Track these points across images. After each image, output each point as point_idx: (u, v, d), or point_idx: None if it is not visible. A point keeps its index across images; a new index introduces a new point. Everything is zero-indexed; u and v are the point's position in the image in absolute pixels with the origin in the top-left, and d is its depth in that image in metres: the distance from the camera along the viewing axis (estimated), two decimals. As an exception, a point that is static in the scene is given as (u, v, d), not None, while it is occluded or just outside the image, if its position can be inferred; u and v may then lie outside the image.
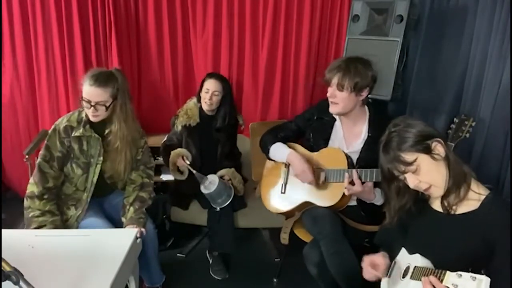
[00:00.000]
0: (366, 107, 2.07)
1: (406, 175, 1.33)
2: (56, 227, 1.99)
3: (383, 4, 2.52)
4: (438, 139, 1.31)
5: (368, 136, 2.03)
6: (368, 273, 1.47)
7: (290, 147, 2.18)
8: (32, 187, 2.03)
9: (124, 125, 2.04)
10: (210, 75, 2.62)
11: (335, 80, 1.94)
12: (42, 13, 2.87)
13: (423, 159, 1.29)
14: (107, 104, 1.97)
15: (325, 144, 2.10)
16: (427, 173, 1.30)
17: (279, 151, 2.17)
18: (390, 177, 1.37)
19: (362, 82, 1.92)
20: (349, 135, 2.08)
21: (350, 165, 1.98)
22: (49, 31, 2.91)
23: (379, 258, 1.47)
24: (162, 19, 3.00)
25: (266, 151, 2.23)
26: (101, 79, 1.95)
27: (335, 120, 2.11)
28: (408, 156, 1.29)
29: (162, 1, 2.96)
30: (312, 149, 2.14)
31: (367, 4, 2.58)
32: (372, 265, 1.46)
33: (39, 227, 1.97)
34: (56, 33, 2.89)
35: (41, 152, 2.04)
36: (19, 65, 2.98)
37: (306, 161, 2.05)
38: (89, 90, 1.94)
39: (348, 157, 2.00)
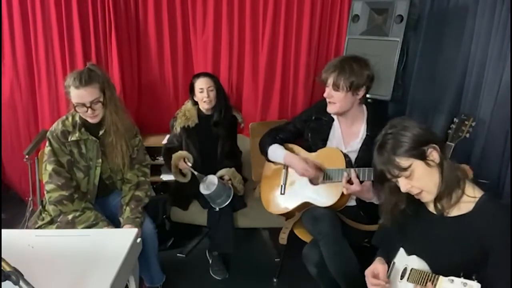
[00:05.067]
0: (364, 106, 2.07)
1: (399, 179, 1.32)
2: (103, 219, 2.00)
3: (383, 4, 2.52)
4: (434, 145, 1.30)
5: (366, 135, 2.03)
6: (373, 285, 1.44)
7: (288, 148, 2.18)
8: (56, 192, 1.98)
9: (116, 116, 2.03)
10: (197, 76, 2.64)
11: (330, 80, 1.95)
12: (42, 13, 2.87)
13: (417, 165, 1.28)
14: (101, 100, 1.96)
15: (323, 145, 2.11)
16: (420, 179, 1.29)
17: (276, 153, 2.18)
18: (382, 178, 1.37)
19: (357, 81, 1.92)
20: (348, 135, 2.08)
21: (348, 164, 1.98)
22: (49, 31, 2.90)
23: (378, 266, 1.46)
24: (162, 19, 3.00)
25: (264, 153, 2.24)
26: (85, 78, 1.92)
27: (333, 120, 2.11)
28: (403, 162, 1.28)
29: (162, 1, 2.95)
30: (310, 150, 2.14)
31: (367, 4, 2.58)
32: (373, 275, 1.45)
33: (90, 225, 1.97)
34: (56, 33, 2.89)
35: (50, 159, 2.00)
36: (19, 65, 2.98)
37: (303, 159, 2.06)
38: (78, 93, 1.92)
39: (346, 157, 2.00)
